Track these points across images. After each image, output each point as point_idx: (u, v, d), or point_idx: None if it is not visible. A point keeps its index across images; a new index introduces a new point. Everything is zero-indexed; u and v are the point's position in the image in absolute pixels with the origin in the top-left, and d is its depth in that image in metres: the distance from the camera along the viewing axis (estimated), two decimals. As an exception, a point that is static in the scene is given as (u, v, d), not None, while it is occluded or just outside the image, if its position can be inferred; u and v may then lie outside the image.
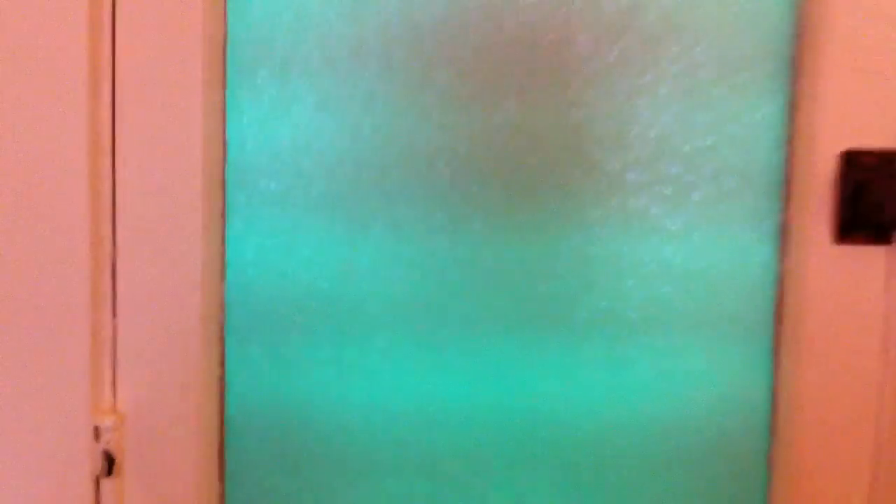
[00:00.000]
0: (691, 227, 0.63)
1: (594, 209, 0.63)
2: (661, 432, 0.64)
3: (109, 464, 0.58)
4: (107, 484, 0.59)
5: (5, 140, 0.55)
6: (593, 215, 0.63)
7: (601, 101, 0.62)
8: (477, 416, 0.63)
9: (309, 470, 0.63)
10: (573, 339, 0.63)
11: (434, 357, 0.63)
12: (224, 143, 0.61)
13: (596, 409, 0.63)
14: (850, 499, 0.62)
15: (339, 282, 0.62)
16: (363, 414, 0.63)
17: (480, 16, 0.62)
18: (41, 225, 0.56)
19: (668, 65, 0.62)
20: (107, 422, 0.58)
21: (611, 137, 0.62)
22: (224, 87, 0.61)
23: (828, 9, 0.59)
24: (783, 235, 0.64)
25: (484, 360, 0.63)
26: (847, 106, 0.60)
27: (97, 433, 0.58)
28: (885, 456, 0.62)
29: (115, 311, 0.58)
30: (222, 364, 0.62)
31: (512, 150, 0.62)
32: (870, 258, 0.61)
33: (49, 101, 0.55)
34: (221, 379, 0.62)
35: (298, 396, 0.62)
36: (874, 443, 0.62)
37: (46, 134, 0.56)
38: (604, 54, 0.62)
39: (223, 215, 0.61)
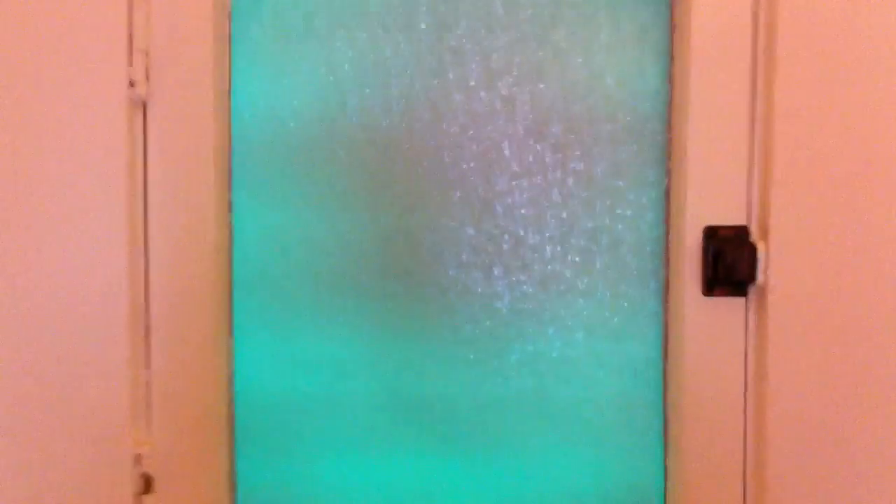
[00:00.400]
0: (595, 286, 0.82)
1: (520, 274, 0.81)
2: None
3: (147, 484, 0.75)
4: (146, 500, 0.76)
5: (53, 220, 0.72)
6: (520, 278, 0.81)
7: (524, 191, 0.81)
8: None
9: None
10: (506, 376, 0.81)
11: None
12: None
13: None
14: None
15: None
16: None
17: (415, 130, 0.80)
18: (89, 299, 0.73)
19: (573, 164, 0.81)
20: (145, 450, 0.75)
21: (532, 218, 0.81)
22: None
23: (687, 127, 0.78)
24: (665, 291, 0.83)
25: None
26: (707, 193, 0.79)
27: (138, 459, 0.75)
28: (750, 459, 0.80)
29: (150, 365, 0.76)
30: (231, 404, 0.80)
31: (452, 238, 0.81)
32: (731, 307, 0.80)
33: (90, 192, 0.73)
34: (231, 418, 0.80)
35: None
36: (744, 435, 0.80)
37: (89, 217, 0.73)
38: (523, 157, 0.81)
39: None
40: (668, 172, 0.82)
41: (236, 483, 0.80)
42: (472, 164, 0.81)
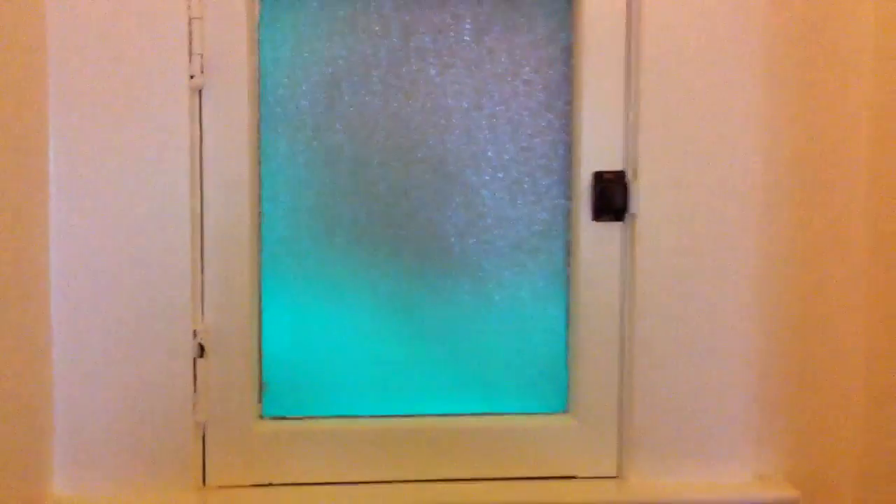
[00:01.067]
0: (520, 215, 1.15)
1: (464, 210, 1.15)
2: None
3: (201, 350, 1.09)
4: (200, 363, 1.09)
5: (135, 170, 1.06)
6: (464, 213, 1.15)
7: (470, 149, 1.15)
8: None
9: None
10: (454, 280, 1.15)
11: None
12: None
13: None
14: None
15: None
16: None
17: (391, 108, 1.14)
18: (164, 226, 1.07)
19: (503, 129, 1.15)
20: (199, 327, 1.09)
21: (473, 166, 1.15)
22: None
23: (582, 102, 1.12)
24: (569, 217, 1.16)
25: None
26: (596, 149, 1.12)
27: (195, 334, 1.09)
28: (626, 345, 1.12)
29: (203, 270, 1.10)
30: (260, 301, 1.13)
31: (416, 184, 1.14)
32: (613, 228, 1.13)
33: (165, 151, 1.06)
34: (260, 310, 1.13)
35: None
36: (621, 337, 1.13)
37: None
38: (469, 126, 1.14)
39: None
40: (569, 135, 1.16)
41: (263, 350, 1.14)
42: (433, 135, 1.14)
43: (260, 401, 1.13)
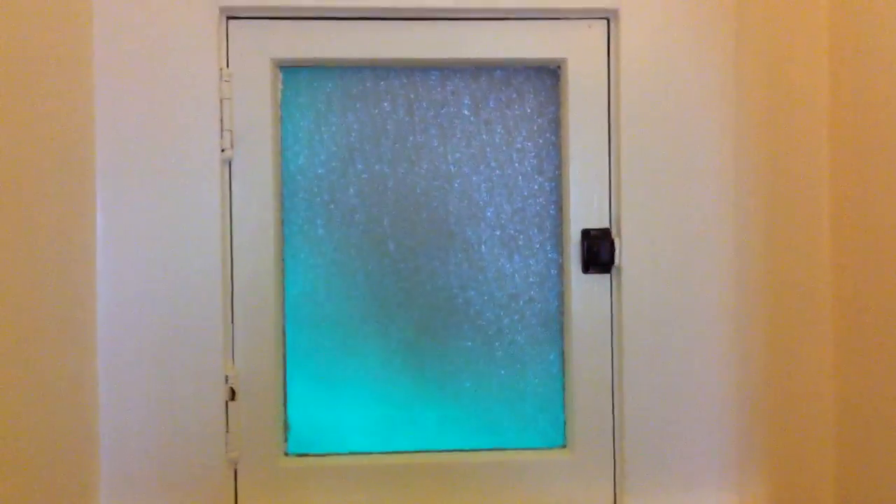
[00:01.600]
0: (515, 268, 1.28)
1: (466, 264, 1.28)
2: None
3: (232, 394, 1.21)
4: (231, 405, 1.21)
5: (172, 227, 1.19)
6: (467, 266, 1.28)
7: (471, 209, 1.28)
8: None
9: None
10: (460, 326, 1.27)
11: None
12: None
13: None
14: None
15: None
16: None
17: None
18: (196, 285, 1.19)
19: (501, 193, 1.28)
20: (230, 372, 1.21)
21: (473, 226, 1.28)
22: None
23: (570, 170, 1.25)
24: (561, 270, 1.29)
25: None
26: (583, 209, 1.25)
27: (227, 379, 1.21)
28: (617, 385, 1.24)
29: (234, 321, 1.22)
30: (284, 347, 1.26)
31: (424, 245, 1.27)
32: (601, 280, 1.26)
33: (199, 213, 1.20)
34: (284, 356, 1.26)
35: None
36: (611, 378, 1.25)
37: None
38: (469, 192, 1.28)
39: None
40: (559, 196, 1.29)
41: (287, 393, 1.26)
42: (437, 198, 1.28)
43: (285, 439, 1.25)
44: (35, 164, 1.01)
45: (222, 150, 1.20)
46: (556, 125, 1.29)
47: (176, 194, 1.19)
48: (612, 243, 1.24)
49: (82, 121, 1.15)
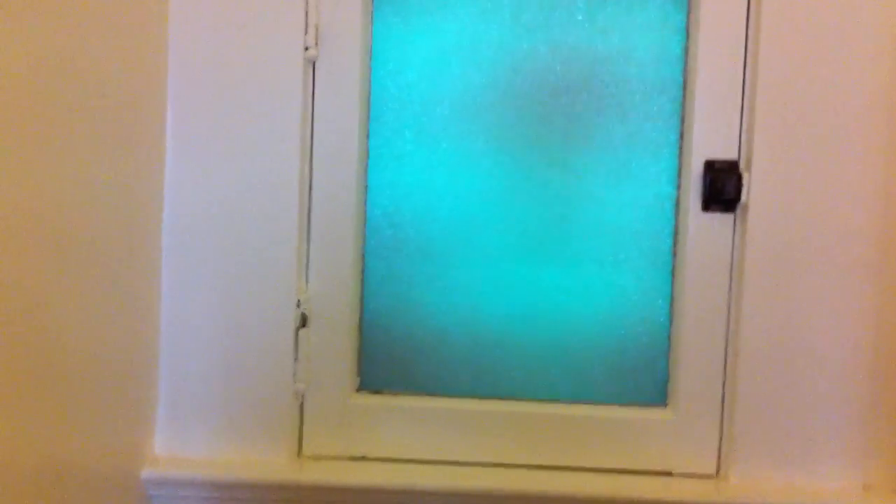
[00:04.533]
0: (630, 202, 1.13)
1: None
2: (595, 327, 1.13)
3: (304, 320, 1.10)
4: (302, 332, 1.10)
5: (254, 135, 1.07)
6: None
7: (580, 127, 1.13)
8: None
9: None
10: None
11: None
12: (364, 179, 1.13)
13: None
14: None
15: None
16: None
17: (519, 86, 1.13)
18: (274, 197, 1.08)
19: (614, 111, 1.12)
20: (303, 296, 1.10)
21: (586, 144, 1.13)
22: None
23: (696, 87, 1.09)
24: (676, 206, 1.13)
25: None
26: (708, 136, 1.09)
27: (298, 303, 1.09)
28: (731, 340, 1.09)
29: (309, 241, 1.10)
30: (363, 273, 1.14)
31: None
32: (723, 220, 1.10)
33: (280, 118, 1.07)
34: (362, 284, 1.14)
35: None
36: (726, 331, 1.10)
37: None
38: (579, 98, 1.13)
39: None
40: (681, 120, 1.12)
41: (363, 323, 1.15)
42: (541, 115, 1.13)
43: (358, 374, 1.14)
44: (99, 59, 0.89)
45: (306, 49, 1.06)
46: (684, 35, 1.12)
47: (252, 96, 1.06)
48: (738, 178, 1.07)
49: (153, 13, 1.02)
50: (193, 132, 1.06)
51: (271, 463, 1.08)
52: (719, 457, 1.11)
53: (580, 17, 1.12)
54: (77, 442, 0.87)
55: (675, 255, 1.13)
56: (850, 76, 1.05)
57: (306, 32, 1.07)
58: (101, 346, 0.92)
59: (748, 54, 1.08)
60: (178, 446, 1.08)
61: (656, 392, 1.14)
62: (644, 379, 1.14)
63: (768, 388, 1.07)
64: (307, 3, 1.06)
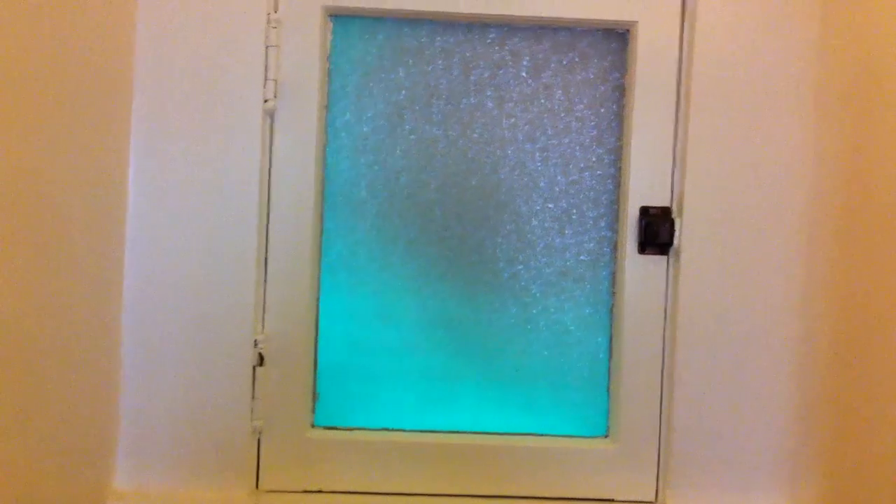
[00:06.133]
0: (567, 246, 1.20)
1: (516, 239, 1.20)
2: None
3: (261, 359, 1.15)
4: (259, 371, 1.15)
5: (211, 181, 1.13)
6: (516, 242, 1.20)
7: (524, 180, 1.20)
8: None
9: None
10: (504, 303, 1.20)
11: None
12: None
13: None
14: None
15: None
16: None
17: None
18: (231, 241, 1.13)
19: (553, 164, 1.20)
20: (260, 337, 1.15)
21: (524, 196, 1.20)
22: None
23: (631, 141, 1.17)
24: (615, 249, 1.21)
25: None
26: (643, 184, 1.17)
27: (255, 343, 1.14)
28: (667, 373, 1.16)
29: (266, 285, 1.16)
30: (317, 314, 1.19)
31: (471, 213, 1.20)
32: (657, 262, 1.18)
33: (238, 165, 1.13)
34: (317, 324, 1.19)
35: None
36: (661, 365, 1.17)
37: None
38: (522, 159, 1.20)
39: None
40: (618, 170, 1.21)
41: (317, 361, 1.20)
42: (488, 165, 1.20)
43: (313, 410, 1.19)
44: (65, 109, 0.94)
45: (265, 101, 1.13)
46: (620, 94, 1.20)
47: (214, 145, 1.12)
48: (671, 223, 1.15)
49: (119, 64, 1.08)
50: (156, 175, 1.11)
51: (230, 497, 1.12)
52: (658, 484, 1.18)
53: (524, 74, 1.20)
54: (42, 477, 0.91)
55: (613, 294, 1.20)
56: (775, 127, 1.14)
57: (265, 86, 1.13)
58: (66, 388, 0.96)
59: (679, 108, 1.16)
60: (139, 481, 1.12)
61: (598, 424, 1.20)
62: (586, 411, 1.21)
63: (702, 418, 1.15)
64: (267, 58, 1.13)
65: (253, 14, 1.12)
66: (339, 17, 1.19)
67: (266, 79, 1.13)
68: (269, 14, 1.13)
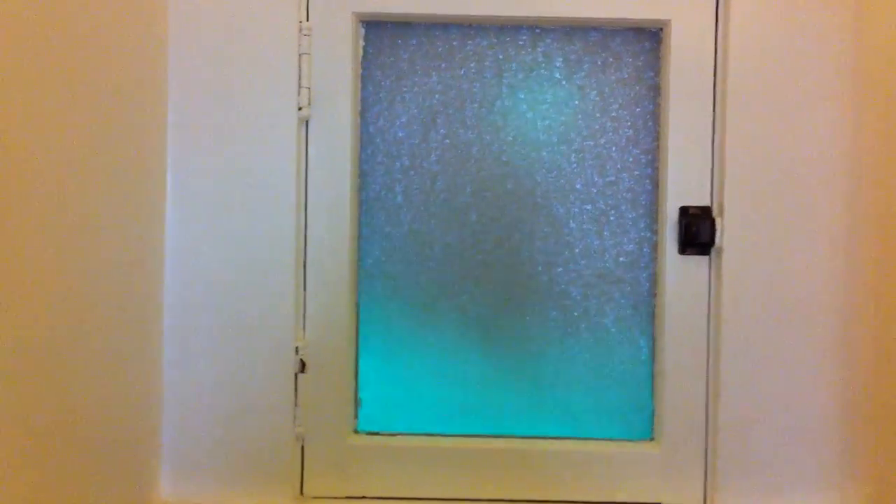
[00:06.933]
0: (606, 247, 1.19)
1: (554, 240, 1.19)
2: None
3: (302, 366, 1.15)
4: (301, 378, 1.15)
5: (250, 190, 1.13)
6: (555, 244, 1.19)
7: (560, 183, 1.19)
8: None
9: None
10: (544, 309, 1.19)
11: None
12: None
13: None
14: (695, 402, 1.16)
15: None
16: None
17: (503, 140, 1.19)
18: (271, 250, 1.13)
19: (591, 163, 1.19)
20: (300, 343, 1.15)
21: (562, 200, 1.19)
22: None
23: (668, 140, 1.15)
24: (655, 249, 1.19)
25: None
26: (682, 184, 1.16)
27: (297, 350, 1.14)
28: (712, 375, 1.15)
29: (306, 288, 1.16)
30: (357, 319, 1.19)
31: (505, 218, 1.19)
32: (698, 262, 1.16)
33: (274, 174, 1.13)
34: (356, 327, 1.19)
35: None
36: (706, 367, 1.16)
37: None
38: (559, 162, 1.19)
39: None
40: (655, 170, 1.19)
41: (358, 367, 1.20)
42: (523, 168, 1.19)
43: (355, 416, 1.19)
44: (103, 121, 0.95)
45: (299, 109, 1.13)
46: (656, 93, 1.19)
47: (249, 154, 1.12)
48: (712, 223, 1.14)
49: (154, 75, 1.09)
50: (193, 187, 1.12)
51: (274, 504, 1.12)
52: (705, 487, 1.16)
53: (558, 76, 1.19)
54: (87, 486, 0.92)
55: (654, 295, 1.19)
56: (814, 122, 1.12)
57: (299, 94, 1.13)
58: (109, 397, 0.97)
59: (716, 105, 1.15)
60: (183, 490, 1.13)
61: (643, 427, 1.19)
62: (630, 414, 1.19)
63: (749, 420, 1.13)
64: (300, 66, 1.13)
65: (284, 23, 1.12)
66: (370, 24, 1.19)
67: (300, 87, 1.13)
68: (300, 22, 1.13)
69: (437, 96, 1.20)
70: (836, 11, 1.12)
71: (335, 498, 1.15)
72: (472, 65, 1.20)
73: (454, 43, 1.19)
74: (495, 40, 1.20)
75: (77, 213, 0.88)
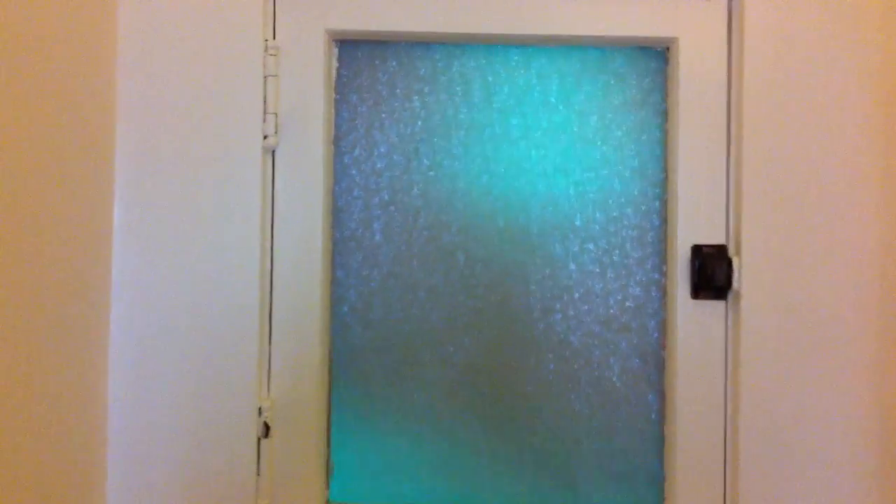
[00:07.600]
0: (609, 291, 1.06)
1: (551, 283, 1.06)
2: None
3: (266, 429, 1.01)
4: (264, 443, 1.01)
5: (211, 225, 1.00)
6: (552, 287, 1.06)
7: (558, 221, 1.06)
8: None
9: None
10: (541, 360, 1.06)
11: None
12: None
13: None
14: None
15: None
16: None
17: (495, 169, 1.07)
18: (233, 300, 1.00)
19: (591, 196, 1.06)
20: (264, 403, 1.01)
21: (561, 241, 1.06)
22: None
23: (678, 172, 1.03)
24: (664, 294, 1.06)
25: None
26: (694, 220, 1.03)
27: (260, 411, 1.01)
28: (730, 435, 1.01)
29: (271, 342, 1.02)
30: (330, 375, 1.05)
31: (495, 267, 1.06)
32: (714, 308, 1.03)
33: (236, 209, 1.00)
34: (328, 390, 1.05)
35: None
36: (724, 425, 1.02)
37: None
38: (554, 195, 1.06)
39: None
40: (664, 204, 1.07)
41: (331, 432, 1.06)
42: (516, 202, 1.07)
43: (327, 485, 1.05)
44: (43, 149, 0.82)
45: (265, 137, 1.01)
46: (663, 117, 1.07)
47: (208, 187, 0.99)
48: (728, 263, 1.01)
49: (101, 97, 0.96)
50: (144, 225, 0.99)
51: (233, 589, 0.98)
52: (722, 563, 1.02)
53: (553, 100, 1.07)
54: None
55: (664, 346, 1.06)
56: (838, 147, 1.00)
57: (265, 120, 1.01)
58: (46, 454, 0.83)
59: (731, 132, 1.03)
60: (129, 573, 0.98)
61: (652, 499, 1.05)
62: (638, 483, 1.06)
63: (773, 488, 0.99)
64: (265, 90, 1.01)
65: (248, 41, 1.00)
66: (344, 42, 1.07)
67: (265, 112, 1.01)
68: (266, 40, 1.01)
69: (419, 123, 1.07)
70: (862, 21, 1.00)
71: (303, 582, 1.01)
72: (458, 88, 1.07)
73: (438, 64, 1.07)
74: (484, 60, 1.07)
75: (11, 244, 0.75)
